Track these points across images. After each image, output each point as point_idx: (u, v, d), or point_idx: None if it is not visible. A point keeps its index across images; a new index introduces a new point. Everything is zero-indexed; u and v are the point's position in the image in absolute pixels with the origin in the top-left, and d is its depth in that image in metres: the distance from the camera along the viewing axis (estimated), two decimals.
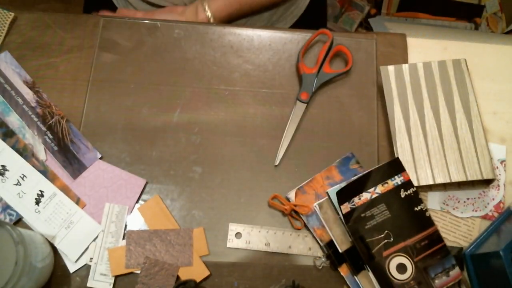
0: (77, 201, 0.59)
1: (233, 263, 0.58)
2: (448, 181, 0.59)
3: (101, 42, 0.66)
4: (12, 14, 0.66)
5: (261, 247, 0.58)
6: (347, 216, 0.56)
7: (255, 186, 0.61)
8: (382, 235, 0.55)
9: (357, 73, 0.67)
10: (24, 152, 0.60)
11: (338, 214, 0.56)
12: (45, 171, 0.60)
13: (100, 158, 0.61)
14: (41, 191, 0.59)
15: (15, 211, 0.58)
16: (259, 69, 0.67)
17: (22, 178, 0.59)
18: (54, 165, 0.60)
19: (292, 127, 0.63)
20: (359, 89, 0.66)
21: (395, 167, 0.58)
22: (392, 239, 0.55)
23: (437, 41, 0.70)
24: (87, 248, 0.57)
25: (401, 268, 0.55)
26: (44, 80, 0.64)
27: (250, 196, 0.61)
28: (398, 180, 0.58)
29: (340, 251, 0.56)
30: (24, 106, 0.62)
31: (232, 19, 0.74)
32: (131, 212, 0.59)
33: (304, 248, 0.59)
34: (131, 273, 0.57)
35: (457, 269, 0.55)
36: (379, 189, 0.57)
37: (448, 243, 0.60)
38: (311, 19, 0.86)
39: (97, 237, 0.58)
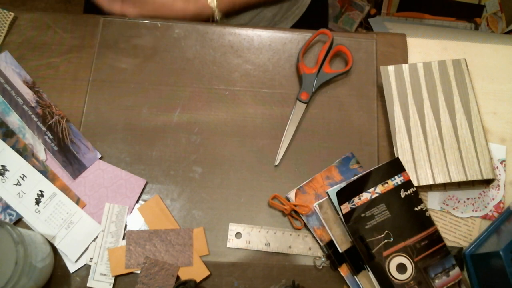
0: (77, 201, 0.59)
1: (233, 263, 0.58)
2: (448, 181, 0.59)
3: (101, 42, 0.66)
4: (12, 14, 0.66)
5: (261, 247, 0.58)
6: (347, 216, 0.56)
7: (255, 186, 0.61)
8: (382, 235, 0.55)
9: (357, 73, 0.67)
10: (24, 152, 0.60)
11: (338, 214, 0.56)
12: (45, 171, 0.60)
13: (100, 158, 0.61)
14: (41, 191, 0.59)
15: (15, 211, 0.58)
16: (259, 69, 0.67)
17: (22, 178, 0.59)
18: (54, 165, 0.60)
19: (292, 127, 0.63)
20: (359, 89, 0.66)
21: (395, 167, 0.58)
22: (392, 239, 0.55)
23: (437, 41, 0.70)
24: (87, 248, 0.57)
25: (401, 268, 0.55)
26: (44, 80, 0.64)
27: (250, 196, 0.61)
28: (398, 180, 0.58)
29: (340, 251, 0.56)
30: (24, 106, 0.62)
31: (236, 8, 0.72)
32: (131, 212, 0.59)
33: (304, 248, 0.59)
34: (131, 273, 0.57)
35: (457, 269, 0.55)
36: (379, 189, 0.57)
37: (448, 243, 0.60)
38: (312, 19, 0.86)
39: (97, 237, 0.58)
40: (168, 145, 0.62)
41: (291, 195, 0.60)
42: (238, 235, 0.59)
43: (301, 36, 0.68)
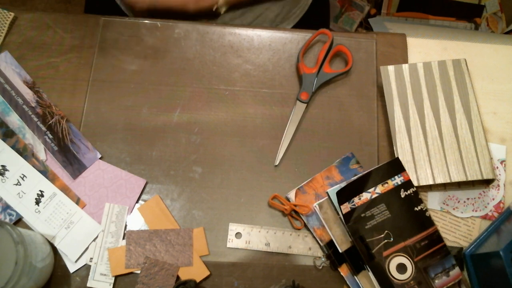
0: (77, 201, 0.59)
1: (233, 263, 0.58)
2: (448, 181, 0.59)
3: (101, 42, 0.66)
4: (12, 14, 0.66)
5: (261, 247, 0.58)
6: (347, 216, 0.56)
7: (255, 186, 0.61)
8: (382, 235, 0.55)
9: (357, 73, 0.67)
10: (24, 152, 0.60)
11: (338, 214, 0.56)
12: (45, 171, 0.60)
13: (100, 158, 0.61)
14: (41, 191, 0.59)
15: (15, 211, 0.58)
16: (259, 69, 0.67)
17: (22, 178, 0.59)
18: (54, 165, 0.60)
19: (292, 127, 0.63)
20: (359, 89, 0.66)
21: (395, 167, 0.58)
22: (392, 239, 0.55)
23: (437, 41, 0.70)
24: (87, 248, 0.57)
25: (401, 268, 0.55)
26: (44, 80, 0.64)
27: (250, 196, 0.61)
28: (398, 180, 0.58)
29: (340, 251, 0.56)
30: (24, 106, 0.62)
31: (242, 0, 0.71)
32: (131, 212, 0.59)
33: (304, 248, 0.59)
34: (131, 273, 0.57)
35: (457, 269, 0.55)
36: (379, 189, 0.57)
37: (448, 243, 0.60)
38: (313, 20, 0.86)
39: (97, 237, 0.58)
40: (168, 145, 0.62)
41: (291, 195, 0.60)
42: (238, 235, 0.59)
43: (301, 36, 0.68)
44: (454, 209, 0.61)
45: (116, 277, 0.57)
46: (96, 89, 0.64)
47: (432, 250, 0.55)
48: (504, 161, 0.63)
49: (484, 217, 0.61)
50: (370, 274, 0.54)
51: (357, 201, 0.56)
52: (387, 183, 0.57)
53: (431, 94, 0.63)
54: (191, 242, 0.58)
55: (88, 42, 0.66)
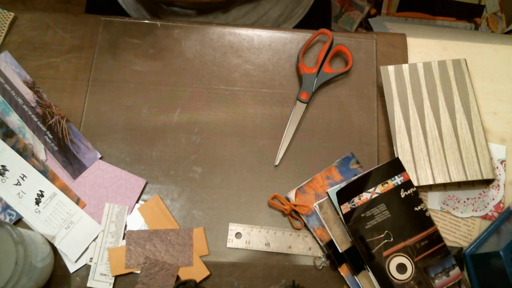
0: (77, 201, 0.59)
1: (233, 263, 0.58)
2: (448, 181, 0.59)
3: (101, 42, 0.66)
4: (12, 14, 0.66)
5: (261, 247, 0.58)
6: (347, 216, 0.56)
7: (255, 186, 0.61)
8: (382, 235, 0.55)
9: (357, 73, 0.67)
10: (24, 152, 0.60)
11: (338, 214, 0.56)
12: (45, 171, 0.60)
13: (100, 158, 0.61)
14: (41, 191, 0.59)
15: (15, 211, 0.58)
16: (259, 69, 0.67)
17: (22, 178, 0.59)
18: (54, 165, 0.60)
19: (292, 127, 0.63)
20: (359, 89, 0.66)
21: (395, 167, 0.58)
22: (392, 239, 0.55)
23: (437, 41, 0.70)
24: (87, 248, 0.57)
25: (401, 268, 0.55)
26: (44, 80, 0.64)
27: (250, 196, 0.61)
28: (398, 180, 0.58)
29: (340, 251, 0.56)
30: (24, 106, 0.62)
31: None
32: (131, 212, 0.59)
33: (304, 248, 0.59)
34: (131, 273, 0.57)
35: (457, 269, 0.55)
36: (379, 189, 0.57)
37: (448, 243, 0.60)
38: (315, 19, 0.86)
39: (97, 237, 0.58)
40: (168, 145, 0.62)
41: (291, 195, 0.60)
42: (238, 235, 0.59)
43: (301, 36, 0.68)
44: (454, 209, 0.61)
45: (116, 277, 0.57)
46: (96, 89, 0.64)
47: (432, 250, 0.55)
48: (504, 161, 0.63)
49: (484, 217, 0.61)
50: (370, 274, 0.54)
51: (357, 201, 0.56)
52: (387, 183, 0.57)
53: (431, 94, 0.63)
54: (191, 242, 0.58)
55: (88, 42, 0.66)
